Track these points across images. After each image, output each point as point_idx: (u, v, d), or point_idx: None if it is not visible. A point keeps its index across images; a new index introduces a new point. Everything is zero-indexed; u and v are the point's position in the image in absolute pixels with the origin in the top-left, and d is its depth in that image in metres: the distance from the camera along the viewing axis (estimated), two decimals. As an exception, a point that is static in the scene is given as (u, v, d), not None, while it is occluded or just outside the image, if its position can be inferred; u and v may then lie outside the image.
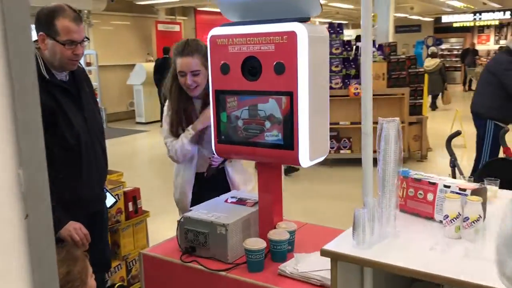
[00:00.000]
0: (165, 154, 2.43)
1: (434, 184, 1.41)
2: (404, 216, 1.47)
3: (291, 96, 1.81)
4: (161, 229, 4.51)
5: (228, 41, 1.93)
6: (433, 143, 7.43)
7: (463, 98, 15.99)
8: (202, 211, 2.06)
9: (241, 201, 2.18)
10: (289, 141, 1.85)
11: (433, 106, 13.02)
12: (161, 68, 10.98)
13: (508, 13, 18.16)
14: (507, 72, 4.36)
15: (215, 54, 1.99)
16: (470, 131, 8.08)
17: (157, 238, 3.90)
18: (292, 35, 1.78)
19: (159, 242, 2.19)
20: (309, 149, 1.84)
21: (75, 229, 2.07)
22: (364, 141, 1.20)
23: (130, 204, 2.82)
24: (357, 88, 6.66)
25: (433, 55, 12.71)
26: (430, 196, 1.40)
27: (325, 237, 2.23)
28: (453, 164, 2.84)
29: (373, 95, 5.51)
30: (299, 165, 1.87)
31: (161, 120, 11.42)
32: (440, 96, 12.88)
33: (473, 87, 17.69)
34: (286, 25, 1.80)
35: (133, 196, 2.83)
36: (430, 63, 11.91)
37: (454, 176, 2.86)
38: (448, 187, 1.37)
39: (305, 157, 1.85)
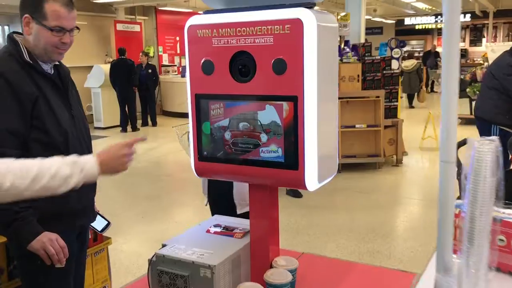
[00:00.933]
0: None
1: (522, 226, 1.05)
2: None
3: (295, 101, 1.42)
4: (126, 253, 4.03)
5: (212, 32, 1.52)
6: (407, 146, 7.21)
7: (426, 100, 16.07)
8: (180, 247, 1.63)
9: (227, 231, 1.77)
10: (292, 158, 1.46)
11: (410, 105, 13.41)
12: (116, 70, 10.40)
13: (468, 15, 18.44)
14: (508, 77, 4.14)
15: (195, 49, 1.58)
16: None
17: (120, 268, 3.44)
18: (297, 24, 1.39)
19: (124, 284, 1.75)
20: (317, 168, 1.45)
21: (50, 240, 1.78)
22: (444, 172, 0.81)
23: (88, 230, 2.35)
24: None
25: (409, 56, 13.18)
26: (517, 244, 1.04)
27: (328, 271, 1.87)
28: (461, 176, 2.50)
29: (348, 97, 5.18)
30: (305, 188, 1.48)
31: (120, 125, 10.86)
32: (416, 95, 13.38)
33: (436, 89, 17.88)
34: (289, 12, 1.40)
35: (91, 220, 2.36)
36: (408, 63, 12.31)
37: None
38: (547, 232, 1.01)
39: (313, 179, 1.46)
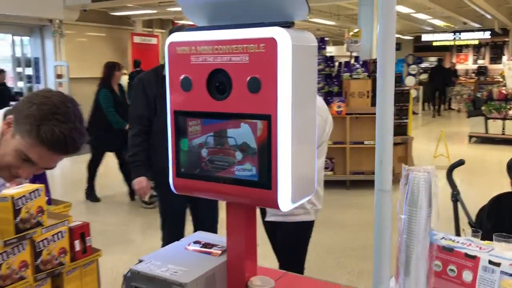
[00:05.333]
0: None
1: (473, 257, 1.00)
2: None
3: (269, 120, 1.42)
4: (116, 267, 4.00)
5: (190, 49, 1.53)
6: (418, 164, 7.11)
7: (443, 117, 15.90)
8: (156, 263, 1.63)
9: (206, 248, 1.76)
10: (266, 177, 1.45)
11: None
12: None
13: (487, 33, 18.23)
14: None
15: (175, 66, 1.59)
16: (454, 152, 7.84)
17: (110, 281, 3.44)
18: (271, 43, 1.38)
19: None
20: (291, 188, 1.44)
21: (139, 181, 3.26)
22: (379, 200, 0.80)
23: (77, 242, 2.36)
24: (340, 106, 6.32)
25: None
26: (467, 276, 0.99)
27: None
28: (456, 198, 2.47)
29: (357, 113, 5.15)
30: (278, 208, 1.47)
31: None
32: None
33: (453, 106, 17.66)
34: (264, 31, 1.41)
35: (80, 232, 2.37)
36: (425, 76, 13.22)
37: (456, 212, 2.48)
38: (497, 264, 0.96)
39: (286, 199, 1.45)
